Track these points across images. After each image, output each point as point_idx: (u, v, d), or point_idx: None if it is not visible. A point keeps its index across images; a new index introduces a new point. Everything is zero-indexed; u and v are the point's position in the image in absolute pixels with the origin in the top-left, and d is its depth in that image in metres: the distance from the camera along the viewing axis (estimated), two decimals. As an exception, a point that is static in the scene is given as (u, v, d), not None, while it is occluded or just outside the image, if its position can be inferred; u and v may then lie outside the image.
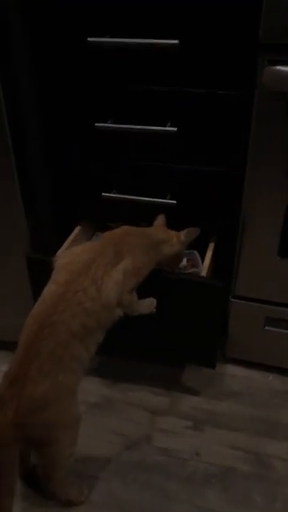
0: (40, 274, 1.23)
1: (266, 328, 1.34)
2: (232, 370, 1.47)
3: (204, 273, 1.24)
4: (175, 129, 1.11)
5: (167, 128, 1.12)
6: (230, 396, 1.40)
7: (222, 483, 1.21)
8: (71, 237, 1.38)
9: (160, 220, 1.24)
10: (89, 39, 1.06)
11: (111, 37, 1.06)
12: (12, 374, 0.96)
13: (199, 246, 1.29)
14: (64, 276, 1.02)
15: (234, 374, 1.46)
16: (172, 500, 1.18)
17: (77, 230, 1.40)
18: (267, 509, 1.16)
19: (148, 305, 1.15)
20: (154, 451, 1.28)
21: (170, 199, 1.24)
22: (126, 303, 1.06)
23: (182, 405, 1.39)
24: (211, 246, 1.30)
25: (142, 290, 1.11)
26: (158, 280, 1.14)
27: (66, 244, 1.35)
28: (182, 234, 1.18)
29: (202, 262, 1.29)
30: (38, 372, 0.94)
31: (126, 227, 1.15)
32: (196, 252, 1.32)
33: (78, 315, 0.98)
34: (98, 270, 1.01)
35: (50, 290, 1.02)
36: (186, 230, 1.19)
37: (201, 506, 1.17)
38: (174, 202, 1.23)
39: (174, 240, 1.17)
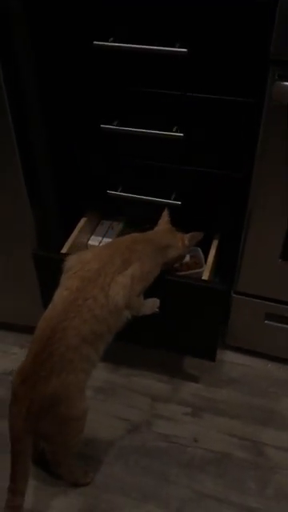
0: (46, 270, 1.27)
1: (266, 322, 1.38)
2: (231, 356, 1.52)
3: (207, 272, 1.26)
4: (181, 134, 1.10)
5: (174, 133, 1.11)
6: (228, 383, 1.46)
7: (219, 469, 1.28)
8: (77, 229, 1.40)
9: (165, 217, 1.25)
10: (94, 43, 1.03)
11: (117, 40, 1.03)
12: (25, 372, 1.01)
13: (203, 242, 1.30)
14: (76, 283, 1.05)
15: (233, 361, 1.51)
16: (171, 484, 1.26)
17: (82, 221, 1.41)
18: (260, 495, 1.23)
19: (151, 306, 1.18)
20: (155, 436, 1.35)
21: (174, 199, 1.24)
22: (134, 306, 1.10)
23: (182, 391, 1.44)
24: (215, 244, 1.32)
25: (146, 292, 1.13)
26: (160, 282, 1.16)
27: (72, 236, 1.37)
28: (186, 238, 1.21)
29: (206, 259, 1.30)
30: (49, 372, 0.99)
31: (134, 234, 1.17)
32: (199, 249, 1.34)
33: (88, 321, 1.02)
34: (106, 277, 1.05)
35: (61, 295, 1.05)
36: (190, 235, 1.21)
37: (198, 491, 1.24)
38: (179, 202, 1.23)
39: (179, 244, 1.19)
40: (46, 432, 1.06)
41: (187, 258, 1.35)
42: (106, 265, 1.06)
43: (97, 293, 1.03)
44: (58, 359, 0.99)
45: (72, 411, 1.06)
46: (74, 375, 1.02)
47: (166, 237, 1.20)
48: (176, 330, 1.29)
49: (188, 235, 1.21)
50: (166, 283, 1.19)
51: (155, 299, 1.20)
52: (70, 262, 1.11)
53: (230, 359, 1.52)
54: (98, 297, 1.03)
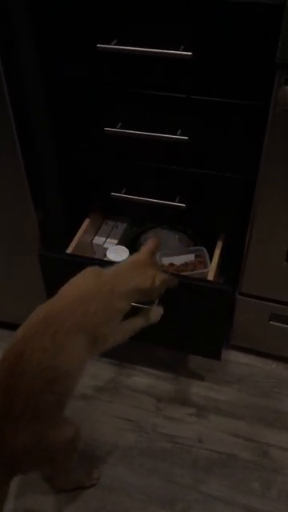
0: (52, 270, 1.27)
1: (271, 323, 1.37)
2: (236, 356, 1.52)
3: (212, 272, 1.25)
4: (186, 137, 1.09)
5: (178, 136, 1.10)
6: (233, 383, 1.46)
7: (223, 470, 1.29)
8: (81, 229, 1.39)
9: (149, 245, 1.09)
10: (98, 45, 1.01)
11: (120, 42, 1.01)
12: None
13: (208, 242, 1.30)
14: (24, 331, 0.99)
15: (238, 360, 1.51)
16: (176, 485, 1.26)
17: (86, 221, 1.41)
18: (264, 496, 1.24)
19: (155, 315, 1.13)
20: (160, 437, 1.35)
21: (179, 201, 1.23)
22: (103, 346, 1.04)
23: (187, 391, 1.44)
24: (219, 245, 1.31)
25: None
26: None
27: (77, 236, 1.37)
28: (158, 280, 1.03)
29: (210, 260, 1.30)
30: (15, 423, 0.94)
31: (88, 284, 1.03)
32: (204, 249, 1.33)
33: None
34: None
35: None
36: (164, 279, 1.06)
37: (203, 492, 1.25)
38: (183, 205, 1.22)
39: (148, 282, 1.03)
40: (35, 468, 1.06)
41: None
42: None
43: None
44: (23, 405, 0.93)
45: (57, 444, 1.01)
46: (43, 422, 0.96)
47: (131, 276, 1.03)
48: (181, 330, 1.28)
49: (162, 278, 1.05)
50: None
51: (159, 308, 1.13)
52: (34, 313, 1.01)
53: (235, 359, 1.51)
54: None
